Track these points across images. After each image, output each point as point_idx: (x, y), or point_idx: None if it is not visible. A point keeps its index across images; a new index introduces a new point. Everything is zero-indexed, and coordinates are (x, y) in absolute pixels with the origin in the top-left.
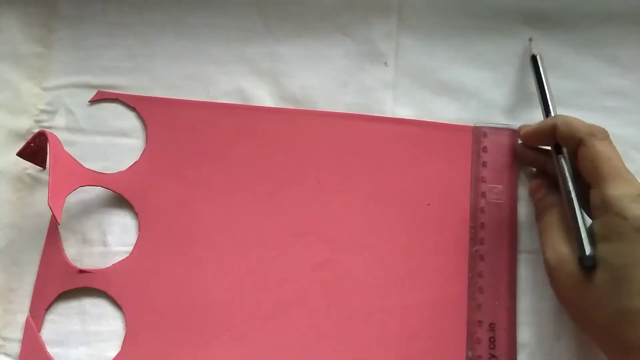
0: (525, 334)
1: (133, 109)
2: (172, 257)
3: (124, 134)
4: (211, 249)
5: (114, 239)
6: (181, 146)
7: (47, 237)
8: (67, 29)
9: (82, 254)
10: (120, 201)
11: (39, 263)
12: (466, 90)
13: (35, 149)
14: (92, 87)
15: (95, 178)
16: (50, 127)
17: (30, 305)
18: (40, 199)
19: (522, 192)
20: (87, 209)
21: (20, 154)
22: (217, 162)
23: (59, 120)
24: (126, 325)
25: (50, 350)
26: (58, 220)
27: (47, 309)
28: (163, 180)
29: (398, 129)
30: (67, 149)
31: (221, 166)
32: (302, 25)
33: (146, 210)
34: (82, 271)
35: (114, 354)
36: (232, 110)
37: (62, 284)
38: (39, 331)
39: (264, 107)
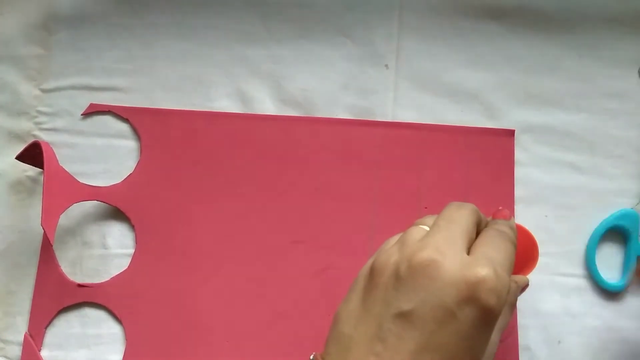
0: (526, 337)
1: (126, 120)
2: (170, 268)
3: (123, 135)
4: (210, 259)
5: (113, 241)
6: (176, 157)
7: (40, 255)
8: (66, 31)
9: (82, 256)
10: (117, 213)
11: (35, 276)
12: (467, 92)
13: (34, 154)
14: (92, 88)
15: (90, 193)
16: (49, 129)
17: (29, 324)
18: (40, 201)
19: (519, 193)
20: (86, 217)
21: (19, 157)
22: (213, 171)
23: (59, 122)
24: (126, 339)
25: (50, 353)
26: (51, 242)
27: (46, 327)
28: (159, 191)
29: (394, 133)
30: (66, 150)
31: (217, 175)
32: (302, 27)
33: (143, 222)
34: (80, 285)
35: (114, 357)
36: (227, 119)
37: (61, 300)
38: (40, 350)
39: (260, 114)
